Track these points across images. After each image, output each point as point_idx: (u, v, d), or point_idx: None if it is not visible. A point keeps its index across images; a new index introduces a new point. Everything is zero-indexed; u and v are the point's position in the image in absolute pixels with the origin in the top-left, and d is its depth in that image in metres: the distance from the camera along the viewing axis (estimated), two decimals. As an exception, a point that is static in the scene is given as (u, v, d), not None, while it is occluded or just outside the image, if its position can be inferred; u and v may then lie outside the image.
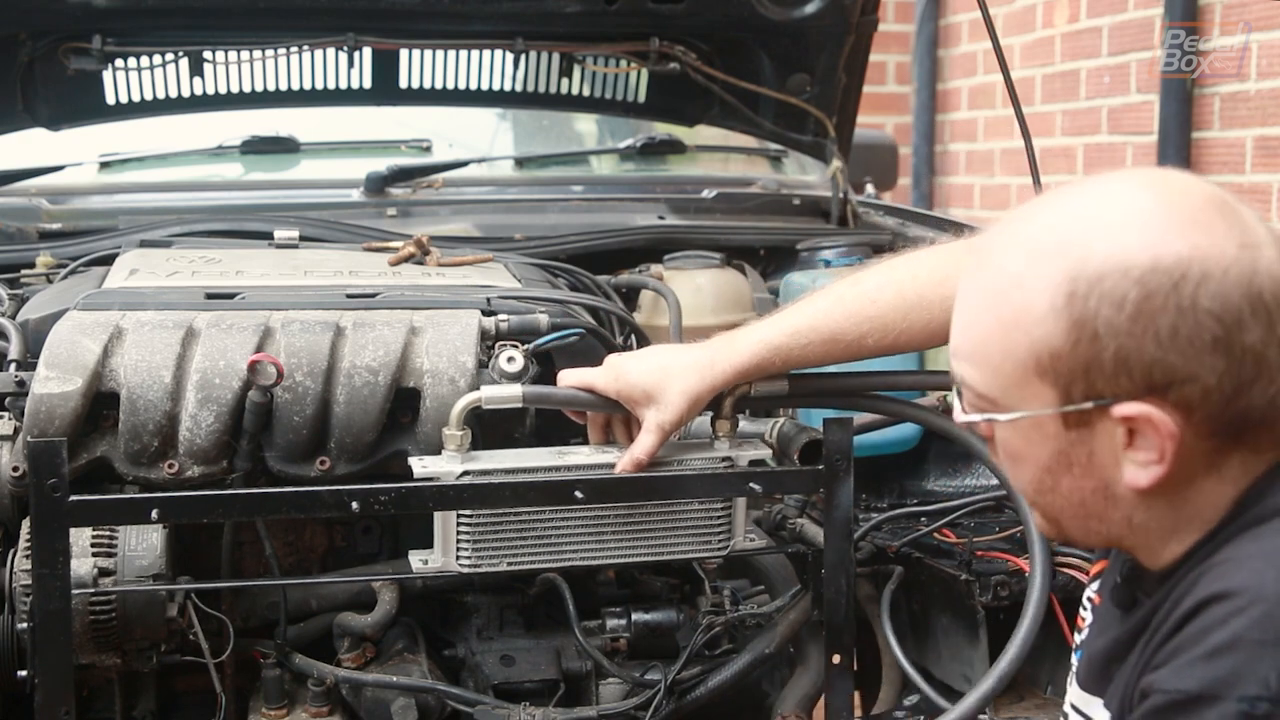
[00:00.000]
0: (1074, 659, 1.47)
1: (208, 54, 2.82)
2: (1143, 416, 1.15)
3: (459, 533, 1.73)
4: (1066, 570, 1.89)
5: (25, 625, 1.64)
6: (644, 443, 1.73)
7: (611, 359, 1.80)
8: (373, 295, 1.99)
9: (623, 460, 1.74)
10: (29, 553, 1.64)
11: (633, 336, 2.25)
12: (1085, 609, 1.46)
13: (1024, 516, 1.73)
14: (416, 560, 1.76)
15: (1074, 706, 1.39)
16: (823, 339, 1.73)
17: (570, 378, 1.79)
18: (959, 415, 1.30)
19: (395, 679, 1.86)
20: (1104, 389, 1.16)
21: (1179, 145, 4.13)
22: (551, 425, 1.94)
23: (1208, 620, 1.12)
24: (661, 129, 3.23)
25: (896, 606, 2.01)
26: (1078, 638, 1.46)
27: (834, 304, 1.74)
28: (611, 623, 1.93)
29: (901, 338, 1.73)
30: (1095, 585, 1.46)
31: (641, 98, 3.07)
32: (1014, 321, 1.19)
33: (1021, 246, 1.21)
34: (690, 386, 1.72)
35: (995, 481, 2.04)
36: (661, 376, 1.73)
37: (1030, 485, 1.27)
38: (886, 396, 1.86)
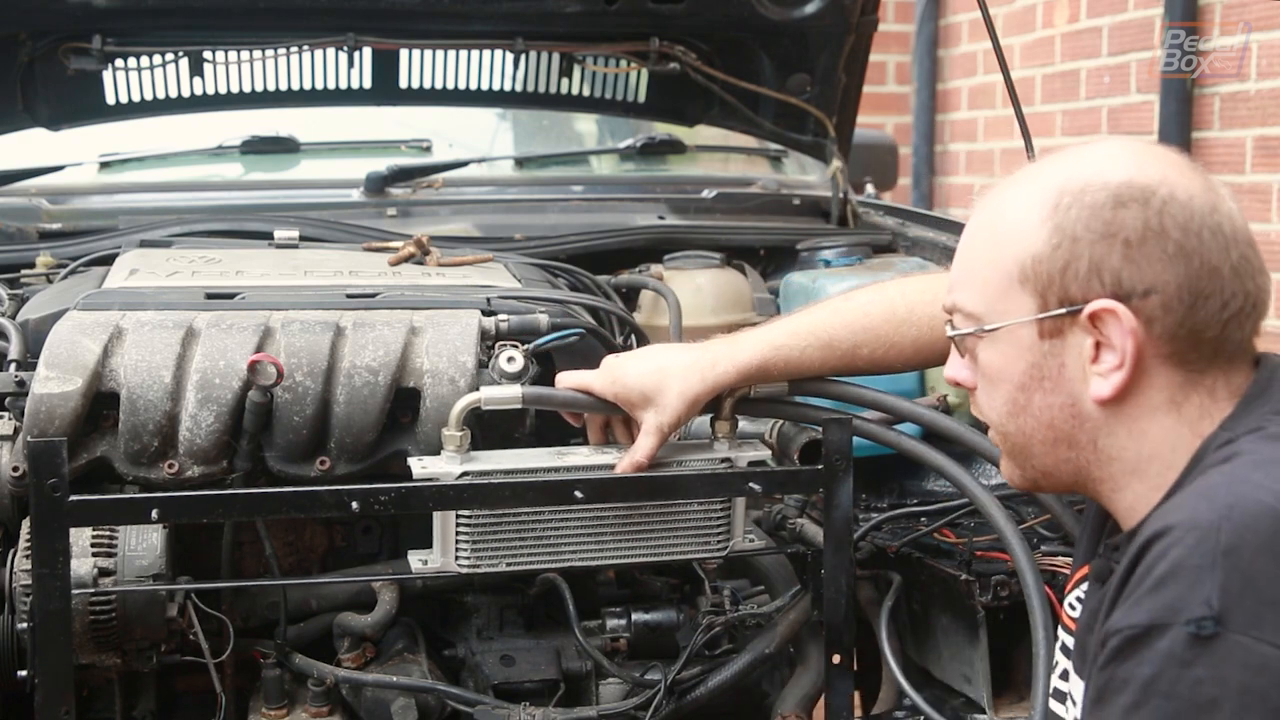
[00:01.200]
0: (1065, 652, 1.47)
1: (208, 54, 2.82)
2: (1108, 310, 1.25)
3: (458, 533, 1.73)
4: (1062, 570, 1.89)
5: (25, 625, 1.64)
6: (643, 445, 1.74)
7: (609, 361, 1.80)
8: (373, 295, 1.99)
9: (622, 462, 1.74)
10: (29, 553, 1.64)
11: (633, 336, 2.25)
12: (1078, 607, 1.47)
13: (997, 523, 1.73)
14: (416, 560, 1.76)
15: (1071, 698, 1.41)
16: (820, 344, 1.78)
17: (568, 380, 1.80)
18: (949, 331, 1.41)
19: (395, 679, 1.86)
20: (1076, 293, 1.28)
21: (1179, 145, 4.09)
22: (551, 425, 1.94)
23: (1150, 558, 1.19)
24: (661, 129, 3.23)
25: (896, 607, 2.01)
26: (1066, 637, 1.46)
27: (830, 314, 1.81)
28: (611, 623, 1.93)
29: (892, 351, 1.79)
30: (1084, 588, 1.46)
31: (641, 98, 3.07)
32: (1004, 235, 1.32)
33: (1018, 182, 1.35)
34: (689, 388, 1.74)
35: (996, 481, 2.03)
36: (660, 378, 1.74)
37: (1004, 407, 1.36)
38: (887, 396, 1.85)
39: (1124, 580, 1.22)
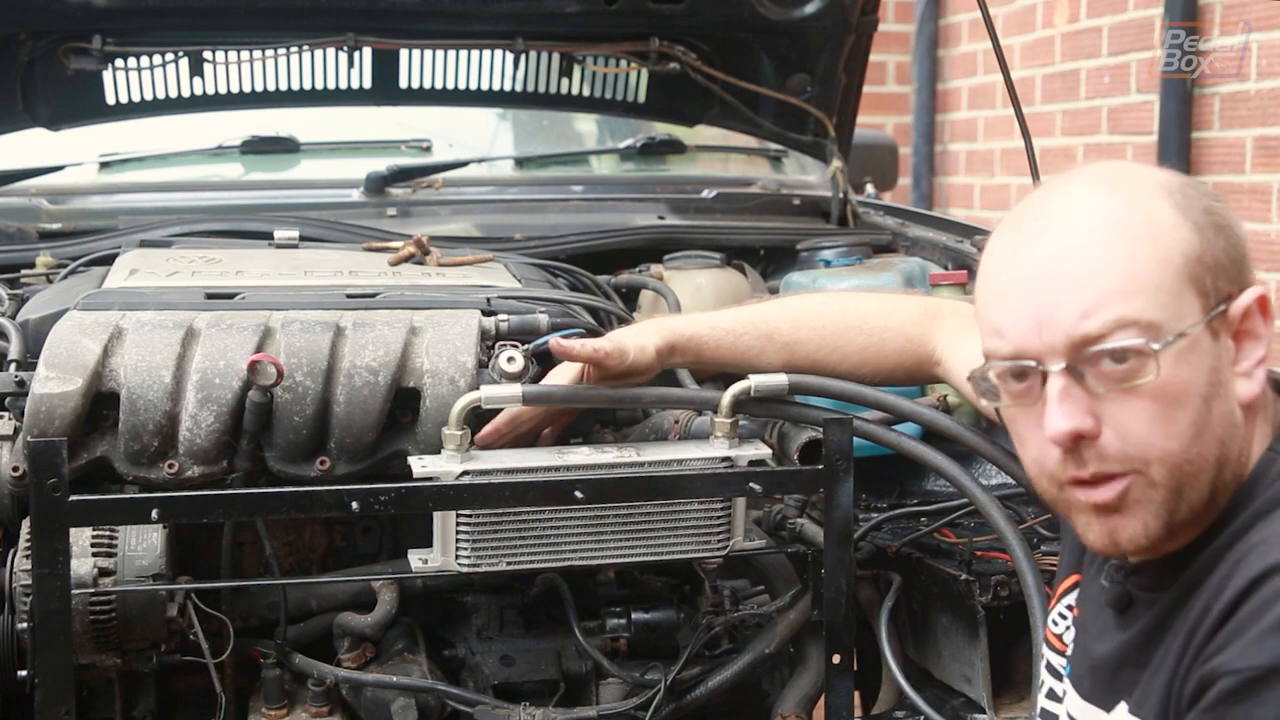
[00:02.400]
0: (1051, 672, 1.46)
1: (208, 54, 2.82)
2: (1261, 297, 1.22)
3: (458, 532, 1.73)
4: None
5: (25, 625, 1.64)
6: (594, 340, 1.77)
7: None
8: (373, 295, 1.99)
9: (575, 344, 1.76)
10: (29, 553, 1.63)
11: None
12: (1061, 623, 1.46)
13: (997, 524, 1.73)
14: (416, 560, 1.76)
15: (1072, 717, 1.39)
16: (759, 333, 1.80)
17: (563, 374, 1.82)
18: (1144, 347, 1.19)
19: (395, 679, 1.85)
20: (1225, 287, 1.22)
21: (1179, 145, 4.13)
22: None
23: (1265, 595, 1.12)
24: (661, 129, 3.23)
25: (896, 607, 2.01)
26: (1059, 659, 1.45)
27: (778, 308, 1.83)
28: (611, 623, 1.93)
29: (834, 355, 1.80)
30: (1071, 599, 1.45)
31: (641, 98, 3.07)
32: (1155, 232, 1.21)
33: (1095, 193, 1.25)
34: (620, 334, 1.80)
35: (996, 481, 2.03)
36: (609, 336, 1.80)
37: (1190, 429, 1.21)
38: (887, 395, 1.85)
39: (1224, 618, 1.15)
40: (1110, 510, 1.24)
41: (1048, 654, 1.47)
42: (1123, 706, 1.29)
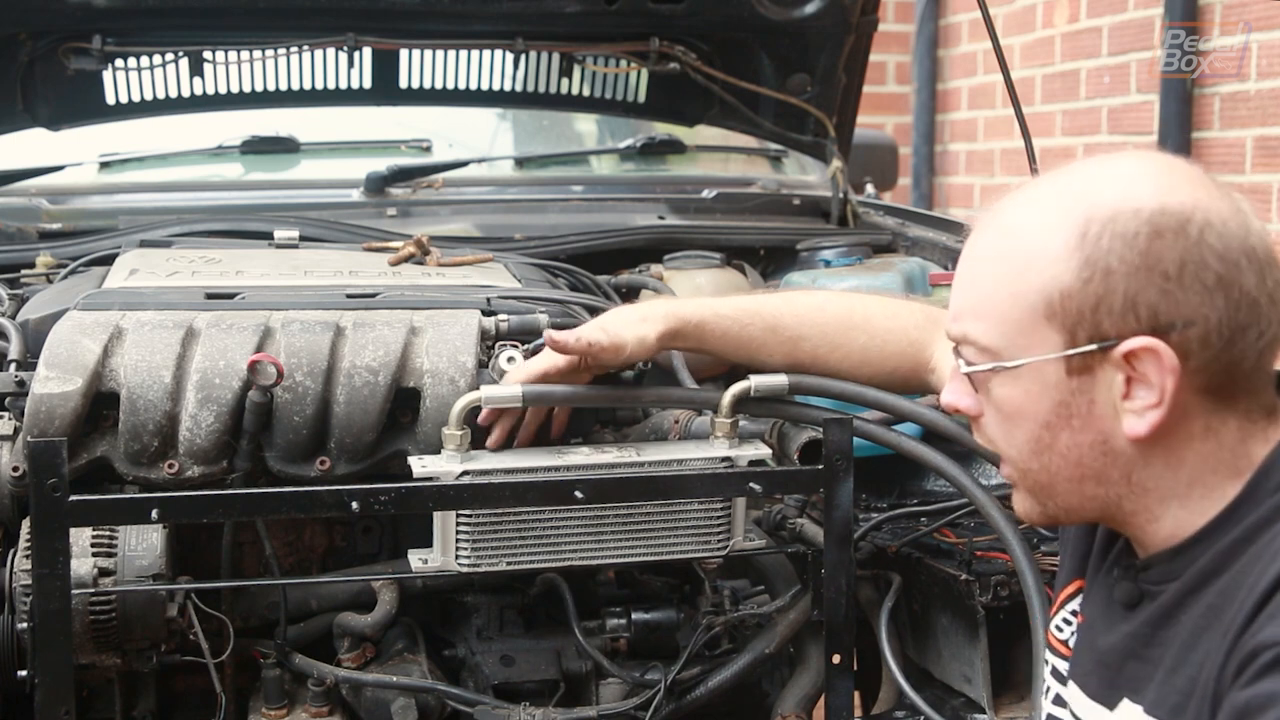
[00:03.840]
0: (1056, 677, 1.46)
1: (208, 54, 2.82)
2: (1147, 349, 1.19)
3: (458, 532, 1.73)
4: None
5: (25, 625, 1.64)
6: (579, 332, 1.74)
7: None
8: (373, 295, 1.99)
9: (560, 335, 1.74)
10: (29, 553, 1.63)
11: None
12: (1065, 629, 1.46)
13: (996, 524, 1.73)
14: (416, 560, 1.76)
15: (1077, 718, 1.39)
16: (765, 325, 1.79)
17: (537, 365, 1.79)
18: (959, 368, 1.31)
19: (395, 679, 1.85)
20: (1110, 329, 1.20)
21: (1179, 145, 4.13)
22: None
23: None
24: (661, 129, 3.23)
25: (896, 607, 2.01)
26: (1063, 664, 1.45)
27: (784, 301, 1.83)
28: (611, 623, 1.93)
29: (836, 353, 1.79)
30: (1074, 604, 1.45)
31: (641, 98, 3.07)
32: (1026, 265, 1.23)
33: (1032, 201, 1.27)
34: (623, 315, 1.79)
35: (996, 481, 2.03)
36: (600, 322, 1.79)
37: (1027, 445, 1.28)
38: (887, 395, 1.85)
39: (1261, 603, 1.15)
40: (1009, 483, 1.35)
41: (1052, 659, 1.47)
42: (1126, 702, 1.29)
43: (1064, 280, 1.21)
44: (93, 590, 1.69)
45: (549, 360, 1.78)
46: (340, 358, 1.82)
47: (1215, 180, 1.25)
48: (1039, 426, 1.26)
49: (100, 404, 1.79)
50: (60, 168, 2.93)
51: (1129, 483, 1.26)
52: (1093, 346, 1.21)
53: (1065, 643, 1.45)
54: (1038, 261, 1.23)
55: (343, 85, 2.91)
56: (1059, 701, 1.44)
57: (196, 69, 2.83)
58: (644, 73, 2.99)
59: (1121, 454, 1.24)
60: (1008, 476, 1.36)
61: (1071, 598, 1.45)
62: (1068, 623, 1.45)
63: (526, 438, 1.82)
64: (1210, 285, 1.18)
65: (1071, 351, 1.22)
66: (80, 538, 1.71)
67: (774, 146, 3.21)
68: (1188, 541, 1.26)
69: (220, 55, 2.83)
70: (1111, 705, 1.31)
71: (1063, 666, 1.45)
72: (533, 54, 2.94)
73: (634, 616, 1.93)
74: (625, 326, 1.76)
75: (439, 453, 1.75)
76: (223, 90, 2.87)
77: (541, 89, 3.01)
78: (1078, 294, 1.21)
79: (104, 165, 3.02)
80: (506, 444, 1.81)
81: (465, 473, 1.71)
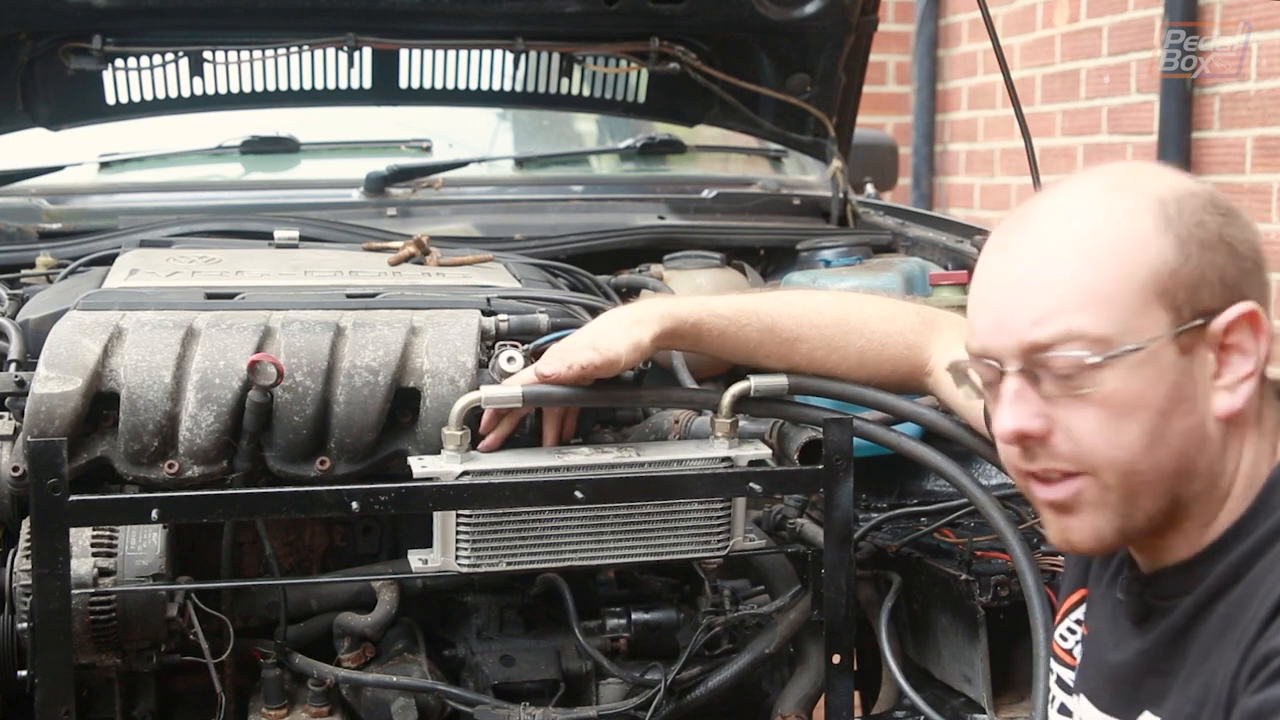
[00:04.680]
0: (1062, 687, 1.46)
1: (208, 54, 2.82)
2: (1247, 314, 1.21)
3: (458, 533, 1.73)
4: (1061, 570, 1.89)
5: (25, 625, 1.64)
6: (579, 357, 1.73)
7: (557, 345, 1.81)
8: (373, 295, 1.99)
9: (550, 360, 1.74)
10: (29, 553, 1.63)
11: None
12: (1070, 638, 1.46)
13: (996, 524, 1.73)
14: (416, 560, 1.76)
15: None
16: (762, 326, 1.78)
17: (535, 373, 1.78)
18: (1086, 360, 1.22)
19: (395, 679, 1.86)
20: (1210, 302, 1.21)
21: (1179, 145, 4.13)
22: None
23: None
24: (661, 129, 3.23)
25: (896, 607, 2.01)
26: (1069, 673, 1.45)
27: (782, 302, 1.81)
28: (611, 623, 1.93)
29: (834, 355, 1.78)
30: (1078, 613, 1.45)
31: (641, 98, 3.07)
32: (1123, 249, 1.21)
33: (1084, 200, 1.26)
34: (621, 324, 1.76)
35: (996, 481, 2.03)
36: (589, 335, 1.77)
37: (1141, 440, 1.22)
38: (887, 396, 1.85)
39: (1273, 615, 1.16)
40: (1063, 509, 1.27)
41: (1057, 669, 1.47)
42: (1147, 714, 1.29)
43: (1168, 257, 1.21)
44: (93, 590, 1.69)
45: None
46: (340, 358, 1.82)
47: None
48: (1155, 415, 1.22)
49: (100, 404, 1.79)
50: (60, 168, 2.93)
51: (1210, 475, 1.25)
52: (1198, 321, 1.21)
53: (1069, 651, 1.45)
54: (1134, 243, 1.21)
55: (343, 85, 2.91)
56: (1064, 711, 1.44)
57: (196, 69, 2.83)
58: (644, 73, 2.99)
59: (1212, 441, 1.24)
60: (1076, 495, 1.26)
61: (1075, 607, 1.45)
62: (1072, 632, 1.45)
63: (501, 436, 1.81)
64: (1258, 265, 1.24)
65: (1181, 328, 1.21)
66: (80, 538, 1.71)
67: (774, 146, 3.21)
68: (1199, 556, 1.26)
69: (220, 55, 2.83)
70: (1130, 718, 1.31)
71: (1067, 676, 1.45)
72: (533, 54, 2.94)
73: (634, 616, 1.93)
74: (618, 335, 1.75)
75: (439, 453, 1.75)
76: (223, 90, 2.86)
77: (541, 89, 3.01)
78: (1181, 270, 1.21)
79: (104, 165, 3.02)
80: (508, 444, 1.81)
81: (465, 473, 1.71)
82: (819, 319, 1.79)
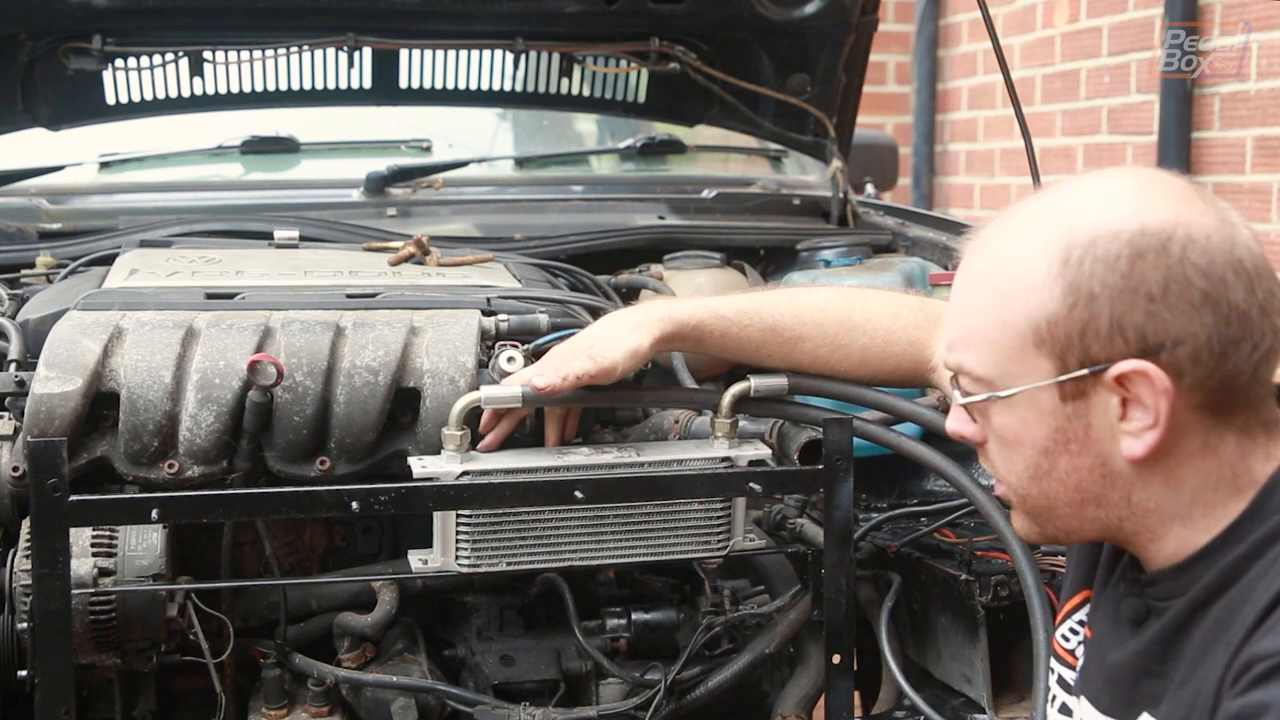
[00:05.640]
0: (1064, 686, 1.46)
1: (208, 54, 2.82)
2: (1137, 371, 1.19)
3: (458, 533, 1.73)
4: (1062, 570, 1.89)
5: (25, 625, 1.64)
6: (573, 367, 1.71)
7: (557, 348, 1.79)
8: (373, 295, 1.99)
9: (539, 375, 1.71)
10: (29, 553, 1.63)
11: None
12: (1073, 639, 1.46)
13: (996, 524, 1.73)
14: (416, 560, 1.76)
15: None
16: (764, 326, 1.76)
17: (529, 376, 1.75)
18: (956, 398, 1.32)
19: (395, 679, 1.86)
20: (1099, 353, 1.20)
21: (1179, 145, 4.13)
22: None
23: None
24: (661, 129, 3.23)
25: (896, 607, 2.01)
26: (1070, 673, 1.45)
27: (784, 300, 1.79)
28: (611, 623, 1.93)
29: (837, 354, 1.78)
30: (1080, 615, 1.45)
31: (641, 98, 3.07)
32: (1010, 292, 1.24)
33: (1015, 229, 1.27)
34: (621, 330, 1.74)
35: (995, 481, 2.03)
36: (586, 343, 1.75)
37: (1026, 472, 1.29)
38: (887, 395, 1.85)
39: (1261, 618, 1.16)
40: (1007, 503, 1.38)
41: (1059, 668, 1.47)
42: (1145, 716, 1.29)
43: (1049, 307, 1.21)
44: (93, 590, 1.69)
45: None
46: (340, 358, 1.82)
47: (1202, 191, 1.24)
48: (1037, 453, 1.27)
49: (100, 404, 1.79)
50: (60, 168, 2.93)
51: (1129, 504, 1.26)
52: (1084, 371, 1.21)
53: (1071, 652, 1.45)
54: (1021, 289, 1.23)
55: (343, 85, 2.91)
56: (1065, 710, 1.44)
57: (196, 69, 2.83)
58: (644, 73, 2.99)
59: (1120, 475, 1.25)
60: (1004, 497, 1.37)
61: (1078, 608, 1.45)
62: (1074, 632, 1.45)
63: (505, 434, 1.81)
64: (1196, 302, 1.18)
65: (1063, 378, 1.22)
66: (80, 538, 1.71)
67: (774, 146, 3.21)
68: (1192, 558, 1.26)
69: (220, 55, 2.83)
70: (1123, 716, 1.32)
71: (1069, 676, 1.45)
72: (533, 54, 2.94)
73: (634, 616, 1.93)
74: (615, 342, 1.73)
75: (439, 453, 1.75)
76: (223, 90, 2.86)
77: (541, 89, 3.01)
78: (1064, 320, 1.21)
79: (104, 165, 3.02)
80: (508, 444, 1.81)
81: (465, 473, 1.71)
82: (821, 317, 1.78)
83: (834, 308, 1.79)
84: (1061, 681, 1.46)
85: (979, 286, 1.28)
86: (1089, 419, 1.23)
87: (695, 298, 1.82)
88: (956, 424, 1.36)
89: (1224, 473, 1.23)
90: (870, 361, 1.77)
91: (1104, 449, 1.24)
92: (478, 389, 1.77)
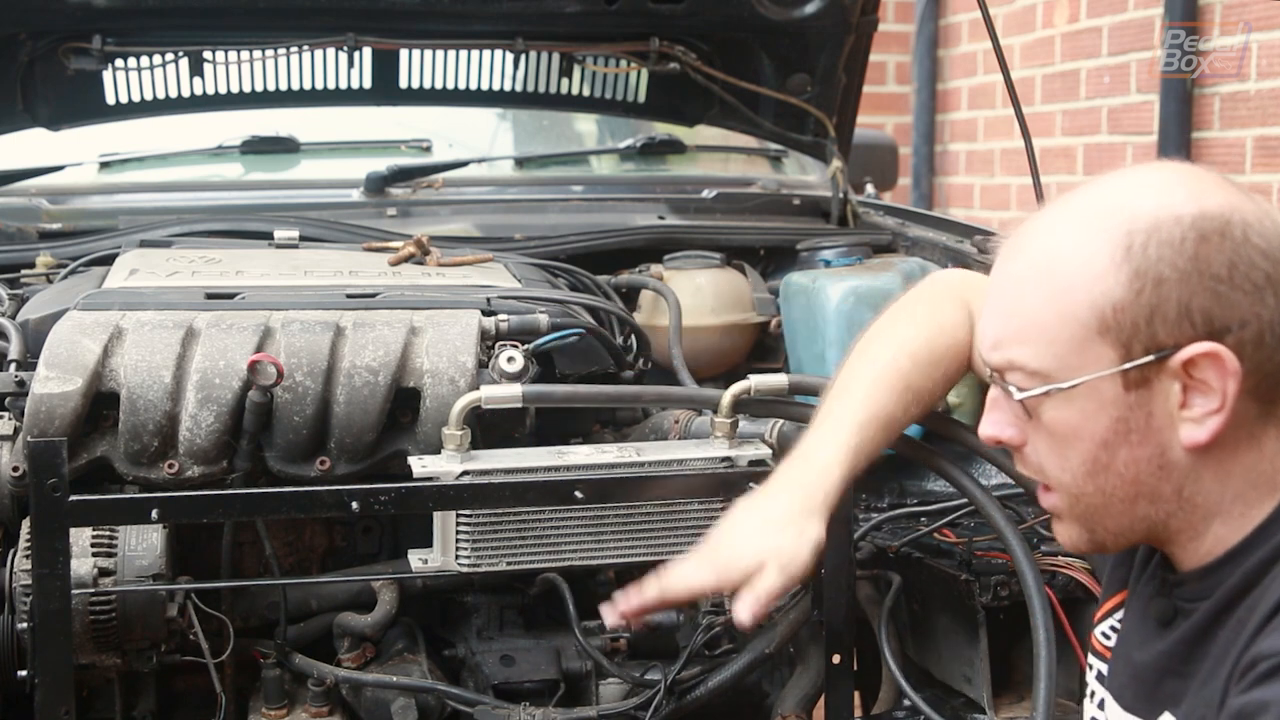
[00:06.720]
0: (1097, 678, 1.46)
1: (208, 54, 2.82)
2: (1207, 354, 1.18)
3: (458, 532, 1.73)
4: (1062, 570, 1.89)
5: (25, 625, 1.64)
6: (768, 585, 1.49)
7: (706, 549, 1.57)
8: (373, 295, 1.99)
9: (745, 605, 1.50)
10: (29, 553, 1.64)
11: (633, 336, 2.25)
12: (1113, 635, 1.44)
13: (996, 524, 1.72)
14: (416, 560, 1.76)
15: None
16: (881, 425, 1.60)
17: (671, 581, 1.56)
18: (1013, 394, 1.27)
19: (395, 679, 1.86)
20: (1166, 338, 1.19)
21: (1179, 145, 4.13)
22: (551, 425, 1.94)
23: None
24: (661, 129, 3.23)
25: (896, 607, 2.01)
26: (1101, 665, 1.45)
27: (872, 388, 1.60)
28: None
29: (925, 397, 1.63)
30: (1120, 615, 1.44)
31: (641, 98, 3.07)
32: (1069, 285, 1.22)
33: (1061, 225, 1.26)
34: (796, 555, 1.51)
35: (996, 481, 2.03)
36: (762, 557, 1.51)
37: (1083, 467, 1.26)
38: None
39: (1268, 619, 1.17)
40: (1051, 514, 1.35)
41: (1098, 664, 1.47)
42: (1167, 715, 1.29)
43: (1115, 294, 1.20)
44: (93, 590, 1.69)
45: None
46: (340, 358, 1.82)
47: (1236, 183, 1.25)
48: (1096, 446, 1.25)
49: (100, 404, 1.79)
50: (60, 168, 2.93)
51: (1180, 498, 1.26)
52: (1150, 358, 1.20)
53: (1111, 650, 1.45)
54: (1083, 279, 1.22)
55: (343, 85, 2.91)
56: (1102, 706, 1.44)
57: (196, 69, 2.83)
58: (644, 73, 2.98)
59: (1176, 467, 1.24)
60: (1052, 507, 1.33)
61: (1118, 607, 1.45)
62: (1115, 630, 1.45)
63: None
64: (1260, 284, 1.19)
65: (1129, 365, 1.21)
66: (80, 538, 1.71)
67: (774, 146, 3.21)
68: (1219, 560, 1.26)
69: (220, 55, 2.83)
70: (1151, 718, 1.32)
71: (1106, 671, 1.45)
72: (533, 54, 2.93)
73: (634, 616, 1.93)
74: (790, 554, 1.50)
75: (439, 453, 1.75)
76: (223, 90, 2.86)
77: (541, 89, 3.01)
78: (1131, 306, 1.20)
79: (104, 165, 3.02)
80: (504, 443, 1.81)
81: (465, 473, 1.71)
82: (905, 381, 1.60)
83: (903, 365, 1.61)
84: (1100, 677, 1.46)
85: (1028, 284, 1.26)
86: (1151, 407, 1.22)
87: (813, 436, 1.60)
88: (993, 428, 1.32)
89: (1264, 468, 1.24)
90: (953, 379, 1.66)
91: (1163, 438, 1.23)
92: (478, 389, 1.77)
